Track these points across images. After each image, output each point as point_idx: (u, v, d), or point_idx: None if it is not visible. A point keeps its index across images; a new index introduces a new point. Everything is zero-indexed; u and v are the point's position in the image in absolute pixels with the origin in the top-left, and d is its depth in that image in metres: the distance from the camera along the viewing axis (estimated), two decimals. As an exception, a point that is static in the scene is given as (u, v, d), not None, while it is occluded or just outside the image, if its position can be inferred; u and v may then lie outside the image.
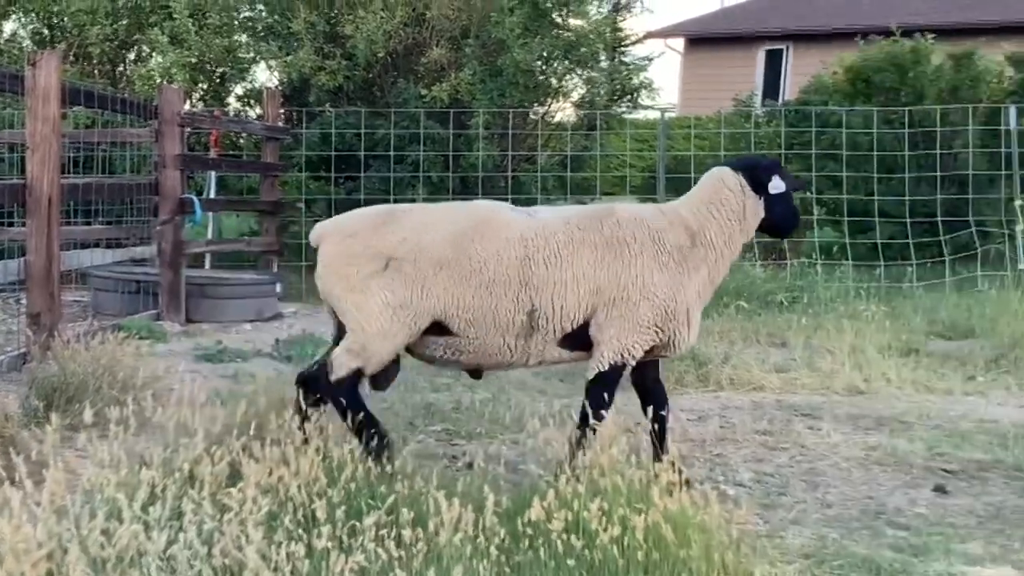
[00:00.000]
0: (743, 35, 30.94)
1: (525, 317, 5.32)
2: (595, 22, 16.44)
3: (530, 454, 5.53)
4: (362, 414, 5.35)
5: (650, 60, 18.03)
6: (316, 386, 5.44)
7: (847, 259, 12.91)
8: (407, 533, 3.73)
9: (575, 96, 16.40)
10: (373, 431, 5.32)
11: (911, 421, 7.16)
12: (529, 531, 3.84)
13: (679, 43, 32.22)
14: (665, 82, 49.39)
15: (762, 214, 5.56)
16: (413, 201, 13.90)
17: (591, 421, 5.16)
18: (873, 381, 8.28)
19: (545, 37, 15.01)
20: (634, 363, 5.38)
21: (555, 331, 5.34)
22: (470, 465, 4.98)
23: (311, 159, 14.42)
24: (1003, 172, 13.29)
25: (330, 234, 5.50)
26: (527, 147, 15.40)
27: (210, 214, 13.62)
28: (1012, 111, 13.16)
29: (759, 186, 5.55)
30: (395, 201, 13.88)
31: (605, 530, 3.74)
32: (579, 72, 16.57)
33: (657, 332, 5.35)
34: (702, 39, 31.90)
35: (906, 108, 13.87)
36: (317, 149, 14.33)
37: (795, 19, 31.29)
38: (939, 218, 13.14)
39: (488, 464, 4.89)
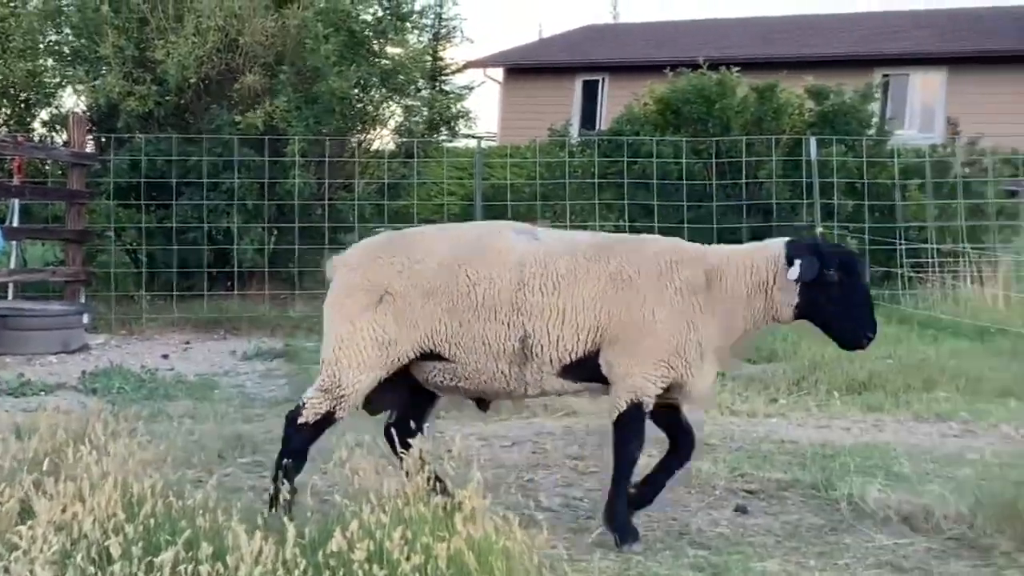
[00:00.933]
0: (561, 66, 31.45)
1: (518, 344, 5.24)
2: (414, 50, 16.49)
3: (339, 484, 5.47)
4: (290, 484, 5.12)
5: (470, 89, 18.20)
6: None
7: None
8: (205, 568, 3.64)
9: (392, 124, 16.41)
10: (287, 504, 5.10)
11: (715, 443, 7.35)
12: (332, 562, 3.79)
13: (499, 73, 32.55)
14: (485, 111, 49.88)
15: (793, 299, 5.20)
16: (227, 229, 13.67)
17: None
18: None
19: (362, 65, 14.97)
20: (651, 402, 5.27)
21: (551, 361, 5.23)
22: (275, 496, 4.89)
23: (120, 186, 14.01)
24: (805, 200, 13.82)
25: (338, 266, 5.49)
26: (344, 175, 15.31)
27: (13, 243, 13.12)
28: (812, 142, 13.71)
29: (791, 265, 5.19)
30: (209, 229, 13.63)
31: (408, 559, 3.73)
32: (397, 100, 16.59)
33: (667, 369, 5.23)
34: (521, 69, 32.30)
35: (713, 139, 14.31)
36: (126, 176, 13.95)
37: (611, 51, 31.98)
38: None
39: (296, 495, 4.84)
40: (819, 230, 13.10)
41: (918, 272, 13.57)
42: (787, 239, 5.38)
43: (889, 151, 14.66)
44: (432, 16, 17.60)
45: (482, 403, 5.66)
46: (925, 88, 27.79)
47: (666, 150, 14.17)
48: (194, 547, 3.79)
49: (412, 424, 5.26)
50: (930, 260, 13.46)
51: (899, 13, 32.05)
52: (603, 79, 30.52)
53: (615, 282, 5.21)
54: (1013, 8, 30.54)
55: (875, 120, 16.03)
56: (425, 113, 16.76)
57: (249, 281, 14.22)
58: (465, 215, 15.15)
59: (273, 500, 4.96)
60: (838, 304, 5.19)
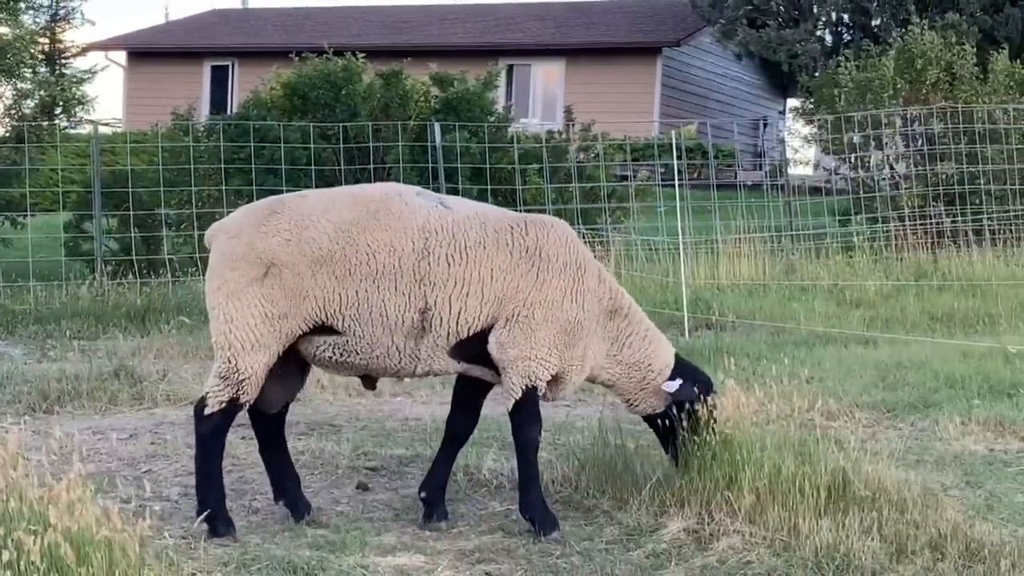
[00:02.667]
0: (188, 50, 30.66)
1: (417, 315, 4.94)
2: (26, 31, 15.59)
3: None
4: (212, 473, 5.05)
5: (92, 73, 17.42)
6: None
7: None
8: None
9: (1, 108, 15.44)
10: (214, 497, 5.05)
11: (341, 424, 7.41)
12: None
13: (121, 56, 31.34)
14: (112, 96, 47.80)
15: (659, 406, 5.39)
16: None
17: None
18: (308, 388, 8.44)
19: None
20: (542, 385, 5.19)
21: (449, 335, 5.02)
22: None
23: None
24: (432, 185, 14.09)
25: (217, 234, 5.11)
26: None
27: None
28: (437, 128, 14.00)
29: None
30: None
31: (-1, 556, 3.54)
32: (7, 82, 15.64)
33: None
34: (145, 53, 31.25)
35: (341, 124, 14.35)
36: None
37: (241, 36, 31.47)
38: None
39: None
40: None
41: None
42: (675, 353, 5.53)
43: (510, 137, 15.19)
44: (49, -5, 16.71)
45: (367, 380, 5.45)
46: (546, 78, 29.03)
47: (294, 135, 14.07)
48: None
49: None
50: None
51: (520, 5, 33.28)
52: (232, 64, 30.00)
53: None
54: (623, 2, 32.39)
55: (498, 107, 16.57)
56: (39, 96, 15.91)
57: None
58: (84, 203, 14.42)
59: (206, 517, 4.93)
60: (683, 429, 5.33)
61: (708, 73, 30.07)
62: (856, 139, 16.36)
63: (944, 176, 15.51)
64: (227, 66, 30.15)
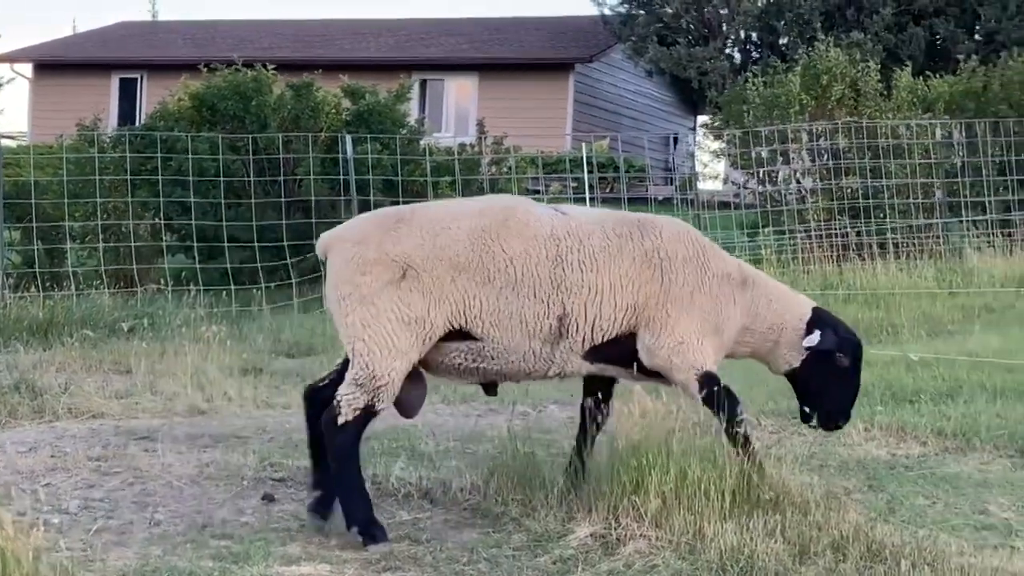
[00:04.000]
0: (96, 63, 30.22)
1: (555, 322, 4.97)
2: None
3: None
4: (355, 484, 5.03)
5: (-1, 84, 17.10)
6: (318, 424, 5.07)
7: (199, 285, 12.96)
8: None
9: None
10: (363, 509, 5.04)
11: (248, 436, 7.30)
12: None
13: (27, 68, 30.80)
14: (17, 108, 46.89)
15: (796, 361, 5.38)
16: None
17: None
18: (215, 400, 8.36)
19: None
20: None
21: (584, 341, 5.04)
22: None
23: None
24: (343, 197, 14.03)
25: (336, 242, 5.05)
26: None
27: None
28: (348, 140, 13.94)
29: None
30: None
31: None
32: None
33: None
34: (53, 65, 30.73)
35: (250, 136, 14.23)
36: None
37: (149, 49, 31.11)
38: (286, 243, 13.59)
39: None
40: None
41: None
42: (815, 306, 5.49)
43: (422, 150, 15.18)
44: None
45: (490, 387, 5.43)
46: (460, 93, 29.08)
47: (202, 147, 13.92)
48: None
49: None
50: (461, 253, 14.04)
51: (433, 21, 33.34)
52: (141, 77, 29.65)
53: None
54: (535, 19, 32.59)
55: (410, 120, 16.56)
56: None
57: None
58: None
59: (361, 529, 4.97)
60: (832, 385, 5.33)
61: (620, 89, 30.34)
62: (764, 154, 16.61)
63: (849, 190, 15.79)
64: (136, 79, 29.77)
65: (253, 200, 13.94)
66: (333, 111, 15.17)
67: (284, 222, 13.75)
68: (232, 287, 13.01)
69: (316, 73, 15.83)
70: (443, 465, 6.21)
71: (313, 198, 14.09)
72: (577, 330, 5.06)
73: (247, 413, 8.10)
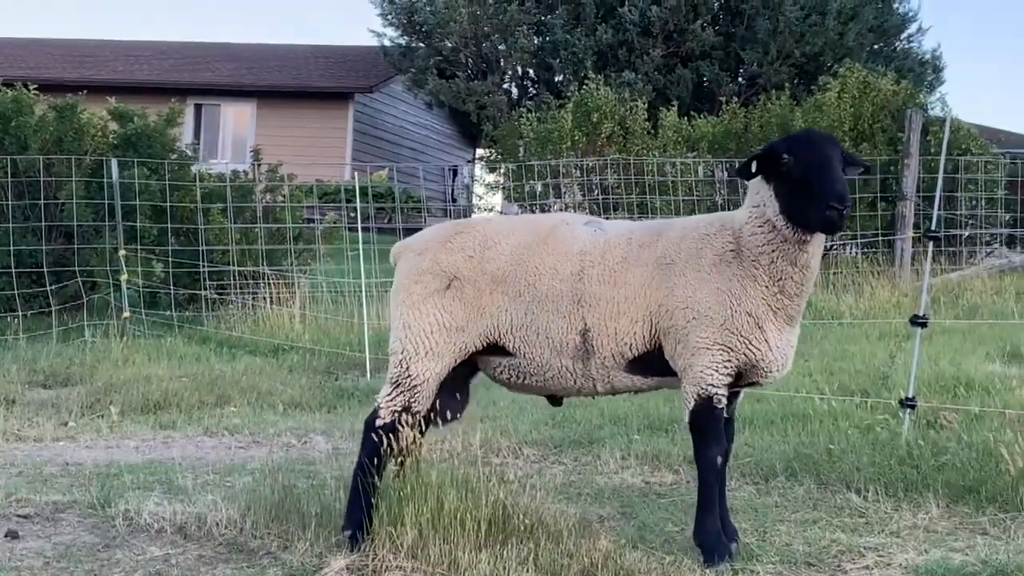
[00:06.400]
0: None
1: (578, 337, 5.03)
2: None
3: None
4: (368, 489, 5.15)
5: None
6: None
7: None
8: None
9: None
10: (360, 515, 5.16)
11: (-7, 471, 6.99)
12: None
13: None
14: None
15: (775, 209, 4.86)
16: None
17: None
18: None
19: None
20: (721, 394, 5.03)
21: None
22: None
23: None
24: (108, 223, 13.59)
25: (403, 251, 5.37)
26: None
27: None
28: (114, 164, 13.52)
29: (768, 166, 4.89)
30: None
31: None
32: None
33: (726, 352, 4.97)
34: None
35: (10, 157, 13.65)
36: None
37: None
38: (46, 268, 13.07)
39: None
40: (122, 252, 12.93)
41: (221, 294, 13.88)
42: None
43: (193, 176, 14.84)
44: None
45: (554, 399, 5.53)
46: (237, 119, 28.66)
47: (-44, 168, 13.27)
48: None
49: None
50: (233, 282, 13.82)
51: (210, 44, 32.78)
52: None
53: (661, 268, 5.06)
54: (315, 47, 32.44)
55: (182, 145, 16.18)
56: None
57: None
58: None
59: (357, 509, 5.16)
60: (796, 184, 4.81)
61: (400, 120, 30.47)
62: (538, 187, 16.96)
63: (618, 225, 16.23)
64: None
65: (11, 224, 13.37)
66: (99, 134, 14.67)
67: (44, 247, 13.23)
68: (-13, 314, 12.45)
69: (82, 94, 15.29)
70: (200, 499, 6.06)
71: (76, 223, 13.60)
72: (603, 345, 5.21)
73: (-5, 448, 7.74)
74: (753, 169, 4.93)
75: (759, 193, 4.96)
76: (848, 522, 5.90)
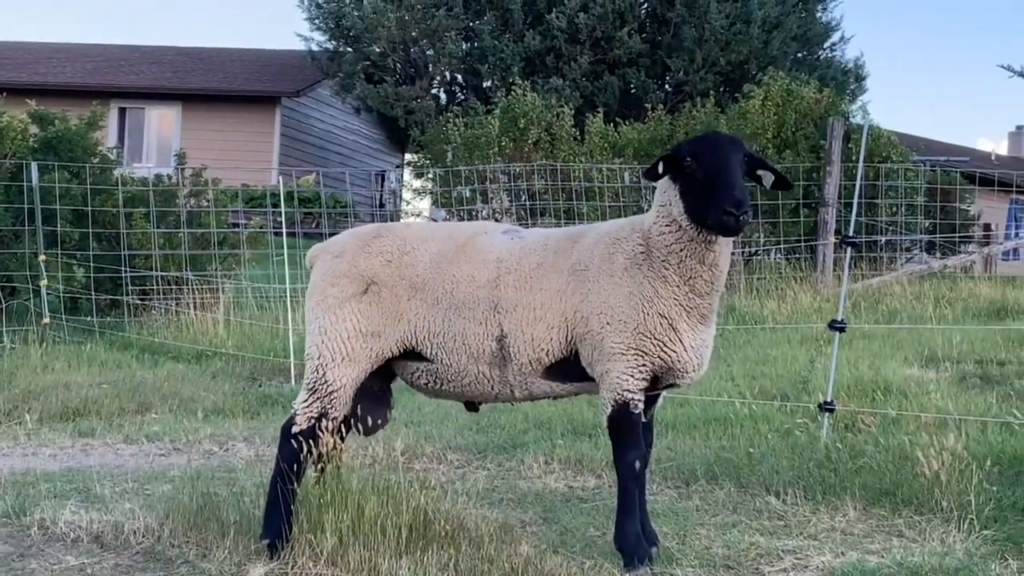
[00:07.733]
0: None
1: (495, 343, 5.02)
2: None
3: None
4: (287, 496, 5.08)
5: None
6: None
7: None
8: None
9: None
10: (280, 523, 5.11)
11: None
12: None
13: None
14: None
15: (680, 209, 4.85)
16: None
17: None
18: None
19: None
20: (638, 400, 5.01)
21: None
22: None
23: None
24: (27, 228, 13.38)
25: (320, 254, 5.31)
26: None
27: None
28: (34, 167, 13.31)
29: (673, 167, 4.89)
30: None
31: None
32: None
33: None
34: None
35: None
36: None
37: None
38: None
39: None
40: (42, 258, 12.73)
41: (144, 300, 13.71)
42: None
43: (115, 180, 14.65)
44: None
45: (471, 404, 5.52)
46: (161, 122, 28.33)
47: None
48: None
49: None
50: (156, 287, 13.66)
51: (134, 47, 32.39)
52: None
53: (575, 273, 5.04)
54: (241, 51, 32.17)
55: (105, 149, 15.96)
56: None
57: None
58: None
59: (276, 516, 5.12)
60: (697, 185, 4.79)
61: (328, 125, 30.31)
62: (465, 193, 16.96)
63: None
64: None
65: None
66: (19, 137, 14.42)
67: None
68: None
69: (1, 97, 15.03)
70: (117, 507, 5.98)
71: (-3, 228, 13.38)
72: (520, 351, 5.27)
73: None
74: (660, 170, 4.93)
75: (666, 193, 4.98)
76: (767, 525, 5.97)
